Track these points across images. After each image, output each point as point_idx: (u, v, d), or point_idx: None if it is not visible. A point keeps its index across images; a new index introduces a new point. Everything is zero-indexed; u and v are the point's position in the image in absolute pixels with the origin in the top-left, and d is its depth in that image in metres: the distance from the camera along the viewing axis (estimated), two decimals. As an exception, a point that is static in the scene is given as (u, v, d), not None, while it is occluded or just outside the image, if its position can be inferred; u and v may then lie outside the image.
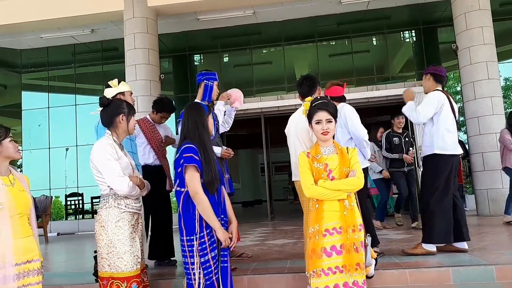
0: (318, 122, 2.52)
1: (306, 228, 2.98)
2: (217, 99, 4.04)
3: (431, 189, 3.71)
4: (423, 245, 3.72)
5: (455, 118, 3.78)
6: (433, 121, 3.75)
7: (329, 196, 2.41)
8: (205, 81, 3.83)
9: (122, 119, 2.62)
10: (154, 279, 3.47)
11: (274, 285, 3.34)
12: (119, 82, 3.55)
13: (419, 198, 4.74)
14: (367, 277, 3.08)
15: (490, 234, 4.90)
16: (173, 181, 4.01)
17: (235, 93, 4.13)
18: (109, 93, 3.43)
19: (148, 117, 4.32)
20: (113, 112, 2.62)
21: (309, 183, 2.44)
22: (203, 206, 2.34)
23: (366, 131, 3.68)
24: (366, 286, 2.44)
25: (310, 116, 2.57)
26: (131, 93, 3.65)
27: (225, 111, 4.18)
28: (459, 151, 3.75)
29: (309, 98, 2.66)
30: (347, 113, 3.64)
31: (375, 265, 3.17)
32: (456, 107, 3.83)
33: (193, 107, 2.61)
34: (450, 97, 3.83)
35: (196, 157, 2.37)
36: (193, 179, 2.35)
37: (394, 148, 6.13)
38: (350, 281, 2.36)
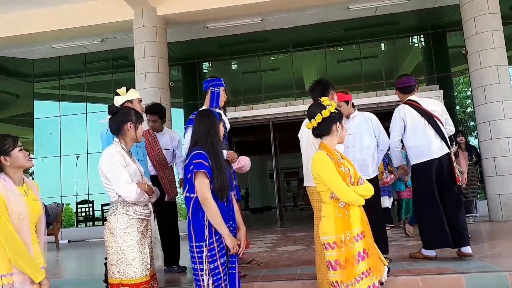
0: (345, 122, 2.53)
1: (318, 235, 2.95)
2: (225, 105, 4.04)
3: (417, 197, 3.89)
4: (423, 251, 3.80)
5: (432, 121, 3.77)
6: (405, 134, 3.88)
7: (361, 202, 2.39)
8: (211, 88, 3.85)
9: (130, 126, 2.65)
10: (164, 286, 3.48)
11: (284, 292, 3.32)
12: (127, 90, 3.57)
13: None
14: (380, 283, 3.07)
15: (504, 240, 4.82)
16: (173, 190, 4.06)
17: (246, 162, 4.08)
18: (117, 101, 3.45)
19: (149, 129, 4.31)
20: (121, 120, 2.64)
21: (348, 187, 2.34)
22: (212, 212, 2.34)
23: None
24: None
25: (341, 117, 2.53)
26: (140, 101, 3.65)
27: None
28: (437, 154, 3.74)
29: (325, 99, 2.61)
30: (378, 121, 3.79)
31: (388, 272, 3.14)
32: (432, 110, 3.82)
33: (205, 114, 2.62)
34: (418, 102, 3.86)
35: (206, 163, 2.38)
36: (202, 185, 2.36)
37: None
38: (371, 284, 2.34)
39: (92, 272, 4.76)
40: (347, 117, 3.75)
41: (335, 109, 2.52)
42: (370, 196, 2.44)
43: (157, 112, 4.33)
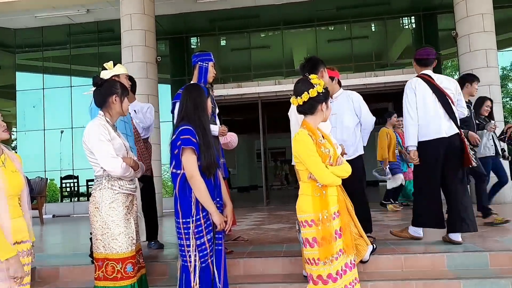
0: (331, 102, 2.50)
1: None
2: (213, 81, 3.95)
3: (417, 174, 3.79)
4: (410, 230, 3.78)
5: (443, 100, 3.62)
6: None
7: (338, 182, 2.39)
8: (199, 62, 3.75)
9: (115, 99, 2.58)
10: (149, 261, 3.47)
11: (270, 268, 3.35)
12: (114, 65, 3.48)
13: None
14: (362, 261, 3.12)
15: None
16: (146, 164, 3.98)
17: (232, 138, 4.00)
18: (104, 75, 3.36)
19: None
20: (106, 92, 2.57)
21: (326, 169, 2.32)
22: (199, 189, 2.32)
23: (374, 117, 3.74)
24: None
25: (327, 96, 2.48)
26: (127, 76, 3.57)
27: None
28: (446, 133, 3.60)
29: (314, 76, 2.55)
30: (360, 99, 3.70)
31: (374, 250, 3.19)
32: (446, 88, 3.66)
33: (193, 88, 2.55)
34: (432, 77, 3.69)
35: (194, 140, 2.34)
36: (189, 162, 2.32)
37: None
38: (348, 261, 2.37)
39: (77, 247, 4.74)
40: (331, 96, 3.68)
41: (323, 88, 2.47)
42: (347, 176, 2.43)
43: (133, 82, 4.25)
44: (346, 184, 2.54)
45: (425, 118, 3.64)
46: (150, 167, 4.09)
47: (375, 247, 3.23)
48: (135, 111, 4.16)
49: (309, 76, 2.51)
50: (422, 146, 3.65)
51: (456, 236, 3.55)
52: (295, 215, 2.74)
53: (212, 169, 2.37)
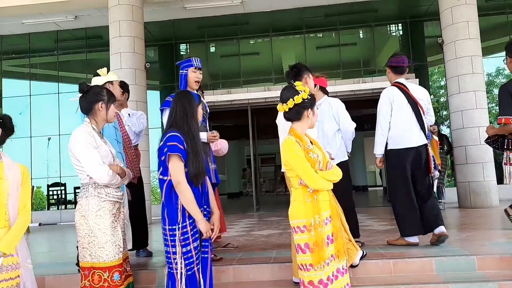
0: (317, 108, 2.51)
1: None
2: (202, 88, 3.92)
3: (393, 185, 3.82)
4: (406, 237, 3.78)
5: (416, 109, 3.72)
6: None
7: (329, 187, 2.39)
8: (180, 71, 3.74)
9: (101, 106, 2.56)
10: (137, 269, 3.43)
11: (260, 274, 3.33)
12: (108, 71, 3.46)
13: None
14: (352, 266, 3.12)
15: (472, 225, 4.99)
16: (136, 171, 3.95)
17: (223, 145, 4.00)
18: (97, 81, 3.33)
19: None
20: (92, 99, 2.55)
21: (316, 174, 2.33)
22: (186, 196, 2.30)
23: (354, 124, 3.73)
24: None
25: (313, 103, 2.49)
26: (120, 83, 3.57)
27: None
28: (416, 143, 3.70)
29: (299, 83, 2.57)
30: (339, 106, 3.69)
31: (363, 256, 3.20)
32: (418, 98, 3.76)
33: (183, 95, 2.53)
34: (408, 88, 3.77)
35: (181, 146, 2.32)
36: (176, 169, 2.31)
37: None
38: (340, 267, 2.38)
39: (64, 256, 4.66)
40: None
41: (309, 95, 2.49)
42: (337, 181, 2.45)
43: (127, 88, 4.25)
44: (333, 189, 2.55)
45: (399, 127, 3.72)
46: (140, 174, 4.05)
47: (365, 253, 3.24)
48: (129, 114, 4.17)
49: (294, 83, 2.54)
50: (395, 154, 3.74)
51: (441, 229, 3.64)
52: (285, 220, 2.73)
53: (200, 177, 2.35)
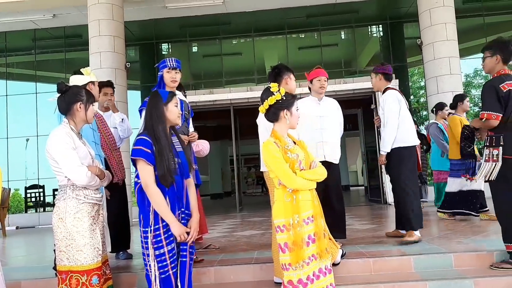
0: (297, 109, 2.53)
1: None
2: (179, 87, 3.86)
3: (408, 180, 3.89)
4: (416, 233, 3.80)
5: (410, 112, 4.10)
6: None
7: (310, 186, 2.41)
8: (159, 72, 3.71)
9: (80, 107, 2.52)
10: (117, 271, 3.38)
11: (241, 276, 3.33)
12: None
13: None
14: (334, 264, 3.15)
15: (450, 223, 5.09)
16: (122, 172, 3.91)
17: (204, 146, 4.00)
18: (79, 80, 3.25)
19: (97, 110, 4.12)
20: (70, 99, 2.51)
21: (292, 174, 2.35)
22: (155, 199, 2.27)
23: None
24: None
25: (290, 104, 2.51)
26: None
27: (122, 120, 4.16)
28: (415, 142, 4.01)
29: (274, 85, 2.59)
30: (339, 107, 3.97)
31: (343, 255, 3.23)
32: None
33: (151, 97, 2.48)
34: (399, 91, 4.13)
35: (147, 150, 2.28)
36: (142, 172, 2.29)
37: None
38: (323, 266, 2.39)
39: (41, 260, 4.55)
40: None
41: (284, 96, 2.50)
42: (321, 180, 2.47)
43: (113, 86, 4.22)
44: (329, 187, 2.61)
45: (405, 126, 3.95)
46: (124, 176, 4.00)
47: (344, 252, 3.27)
48: (122, 119, 4.16)
49: (270, 85, 2.56)
50: (407, 151, 3.93)
51: (418, 233, 3.82)
52: (267, 221, 2.72)
53: (168, 179, 2.30)
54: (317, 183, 2.48)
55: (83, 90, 2.61)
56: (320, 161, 3.51)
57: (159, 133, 2.34)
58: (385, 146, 3.98)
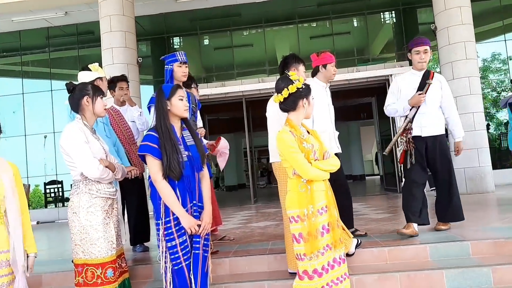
0: (313, 98, 2.50)
1: (284, 209, 2.97)
2: (190, 79, 3.87)
3: (452, 168, 3.78)
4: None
5: None
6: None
7: (324, 177, 2.39)
8: (165, 66, 3.69)
9: (88, 101, 2.55)
10: (133, 264, 3.44)
11: (256, 266, 3.35)
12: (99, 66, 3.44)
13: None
14: (348, 254, 3.14)
15: (467, 211, 4.98)
16: (141, 166, 3.95)
17: (225, 151, 4.01)
18: (87, 76, 3.30)
19: (114, 105, 4.16)
20: (77, 96, 2.56)
21: (308, 164, 2.34)
22: (163, 193, 2.32)
23: None
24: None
25: (308, 92, 2.49)
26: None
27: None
28: None
29: (293, 73, 2.56)
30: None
31: (358, 245, 3.21)
32: None
33: (157, 93, 2.50)
34: None
35: (154, 145, 2.33)
36: (150, 167, 2.35)
37: None
38: (337, 256, 2.39)
39: (61, 253, 4.66)
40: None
41: (303, 84, 2.48)
42: (335, 170, 2.45)
43: (127, 80, 4.26)
44: (334, 177, 2.56)
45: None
46: (143, 169, 4.04)
47: (360, 241, 3.25)
48: (140, 113, 4.21)
49: (289, 73, 2.53)
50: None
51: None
52: (281, 212, 2.73)
53: (175, 172, 2.31)
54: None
55: (88, 85, 2.65)
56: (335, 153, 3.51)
57: (164, 127, 2.37)
58: (461, 131, 3.94)
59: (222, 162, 4.01)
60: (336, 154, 3.60)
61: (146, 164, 2.40)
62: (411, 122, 3.65)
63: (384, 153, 3.74)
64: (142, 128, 4.25)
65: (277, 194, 3.29)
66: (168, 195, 2.31)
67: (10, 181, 2.12)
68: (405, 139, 3.66)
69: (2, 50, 10.65)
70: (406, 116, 3.71)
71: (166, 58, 3.66)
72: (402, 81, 3.81)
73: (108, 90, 3.91)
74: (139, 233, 4.01)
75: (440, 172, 3.71)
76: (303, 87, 2.47)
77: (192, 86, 4.03)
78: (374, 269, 3.13)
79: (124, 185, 3.67)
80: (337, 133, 3.71)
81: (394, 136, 3.90)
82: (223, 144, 4.00)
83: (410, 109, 3.68)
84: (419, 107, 3.64)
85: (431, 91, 3.67)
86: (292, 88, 2.44)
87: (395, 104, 3.78)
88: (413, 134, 3.65)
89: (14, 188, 2.12)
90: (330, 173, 2.46)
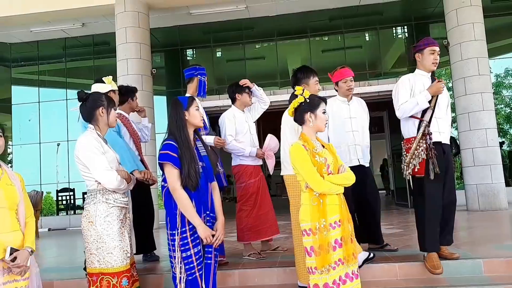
0: (324, 112, 2.52)
1: (296, 224, 2.97)
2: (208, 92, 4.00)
3: (454, 183, 3.43)
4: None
5: None
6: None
7: (337, 190, 2.40)
8: (199, 76, 3.82)
9: (102, 112, 2.60)
10: (144, 273, 3.47)
11: (265, 279, 3.35)
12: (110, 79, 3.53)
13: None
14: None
15: (479, 228, 4.96)
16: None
17: (273, 145, 4.00)
18: (100, 89, 3.38)
19: (121, 112, 4.20)
20: (92, 105, 2.60)
21: (320, 178, 2.36)
22: (182, 202, 2.34)
23: None
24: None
25: (314, 106, 2.52)
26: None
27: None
28: None
29: (298, 88, 2.61)
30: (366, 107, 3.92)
31: (371, 259, 3.15)
32: None
33: (172, 103, 2.56)
34: None
35: (173, 154, 2.35)
36: (170, 176, 2.36)
37: None
38: (350, 271, 2.38)
39: (72, 261, 4.71)
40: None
41: (309, 97, 2.52)
42: (350, 185, 2.46)
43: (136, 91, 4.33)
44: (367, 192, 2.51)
45: None
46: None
47: (374, 255, 3.20)
48: (147, 126, 4.28)
49: (295, 88, 2.60)
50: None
51: None
52: (291, 224, 2.73)
53: (193, 182, 2.34)
54: (359, 188, 2.46)
55: (102, 95, 2.71)
56: (354, 165, 3.52)
57: (183, 137, 2.41)
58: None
59: (270, 165, 4.01)
60: (361, 166, 3.63)
61: (163, 172, 2.42)
62: (428, 126, 3.16)
63: (407, 173, 3.16)
64: (146, 139, 4.29)
65: (287, 206, 3.31)
66: (187, 205, 2.33)
67: (20, 189, 2.24)
68: (424, 145, 3.10)
69: (21, 59, 10.91)
70: (420, 121, 3.21)
71: (200, 69, 3.87)
72: (413, 78, 3.45)
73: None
74: (145, 242, 4.04)
75: (448, 183, 3.26)
76: (307, 101, 2.52)
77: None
78: (384, 284, 3.12)
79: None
80: (367, 145, 3.74)
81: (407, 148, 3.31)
82: (271, 144, 4.01)
83: (426, 110, 3.24)
84: (433, 110, 3.23)
85: (440, 96, 3.35)
86: (294, 103, 2.53)
87: (413, 98, 3.27)
88: (433, 140, 3.14)
89: (22, 194, 2.24)
90: (364, 183, 2.47)
